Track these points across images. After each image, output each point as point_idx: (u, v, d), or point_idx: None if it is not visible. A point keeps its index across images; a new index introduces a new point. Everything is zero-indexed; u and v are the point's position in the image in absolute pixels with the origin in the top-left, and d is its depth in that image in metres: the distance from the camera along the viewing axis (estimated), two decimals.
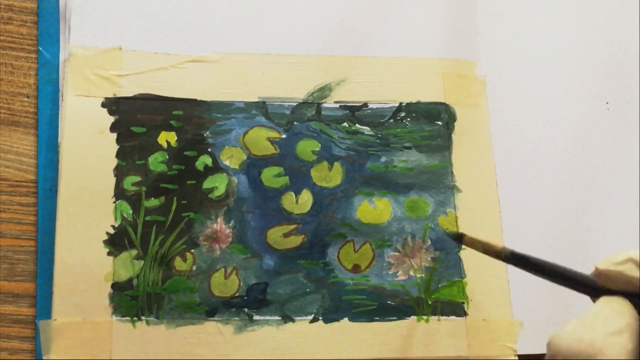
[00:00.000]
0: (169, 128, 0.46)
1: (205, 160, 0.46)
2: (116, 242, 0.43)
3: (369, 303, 0.45)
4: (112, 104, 0.45)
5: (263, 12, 0.49)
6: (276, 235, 0.45)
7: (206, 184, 0.45)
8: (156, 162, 0.45)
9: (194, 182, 0.45)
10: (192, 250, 0.44)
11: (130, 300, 0.43)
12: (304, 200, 0.46)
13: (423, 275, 0.46)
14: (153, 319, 0.43)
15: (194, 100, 0.46)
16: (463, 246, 0.46)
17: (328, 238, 0.45)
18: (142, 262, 0.43)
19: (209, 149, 0.46)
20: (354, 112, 0.48)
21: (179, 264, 0.44)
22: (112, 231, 0.44)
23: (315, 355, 0.43)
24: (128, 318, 0.42)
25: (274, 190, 0.46)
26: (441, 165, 0.48)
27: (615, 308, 0.27)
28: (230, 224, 0.45)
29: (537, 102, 0.51)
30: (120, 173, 0.44)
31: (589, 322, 0.27)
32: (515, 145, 0.50)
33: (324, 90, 0.48)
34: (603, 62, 0.52)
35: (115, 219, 0.44)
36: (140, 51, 0.47)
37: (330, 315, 0.44)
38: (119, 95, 0.46)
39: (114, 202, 0.44)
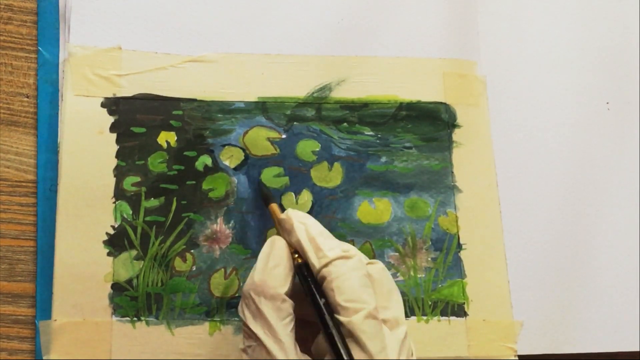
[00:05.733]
0: (169, 128, 0.46)
1: (205, 160, 0.46)
2: (116, 243, 0.43)
3: None
4: (112, 104, 0.45)
5: (263, 12, 0.49)
6: None
7: (206, 184, 0.45)
8: (156, 162, 0.45)
9: (193, 182, 0.45)
10: (192, 251, 0.44)
11: (130, 301, 0.43)
12: (304, 201, 0.46)
13: (423, 276, 0.46)
14: (153, 319, 0.43)
15: (194, 100, 0.46)
16: (463, 246, 0.46)
17: None
18: (142, 262, 0.43)
19: (209, 149, 0.46)
20: (354, 112, 0.48)
21: (178, 264, 0.44)
22: (111, 231, 0.43)
23: None
24: (128, 318, 0.42)
25: (274, 191, 0.46)
26: (441, 165, 0.48)
27: (270, 249, 0.37)
28: (230, 224, 0.45)
29: (537, 102, 0.51)
30: (120, 173, 0.44)
31: (258, 264, 0.37)
32: (515, 145, 0.50)
33: (324, 90, 0.48)
34: (603, 62, 0.52)
35: (115, 220, 0.44)
36: (140, 51, 0.47)
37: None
38: (118, 95, 0.46)
39: (114, 202, 0.44)
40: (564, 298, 0.47)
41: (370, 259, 0.38)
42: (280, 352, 0.35)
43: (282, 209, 0.40)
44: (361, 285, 0.36)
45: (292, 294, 0.37)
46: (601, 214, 0.49)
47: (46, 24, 0.47)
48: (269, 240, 0.38)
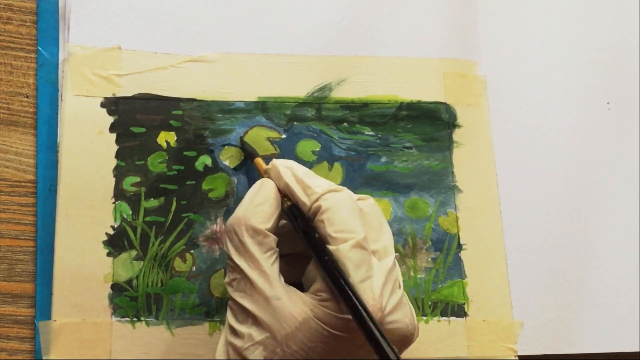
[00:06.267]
0: (169, 128, 0.46)
1: (204, 160, 0.46)
2: (116, 243, 0.43)
3: None
4: (112, 104, 0.45)
5: (263, 12, 0.49)
6: None
7: (206, 184, 0.45)
8: (156, 162, 0.45)
9: (193, 182, 0.45)
10: (192, 251, 0.44)
11: (129, 301, 0.43)
12: None
13: (423, 276, 0.46)
14: (153, 319, 0.43)
15: (194, 100, 0.46)
16: (463, 246, 0.46)
17: None
18: (142, 262, 0.43)
19: (209, 149, 0.46)
20: (354, 112, 0.48)
21: (178, 264, 0.44)
22: (111, 232, 0.43)
23: None
24: (128, 319, 0.42)
25: None
26: (442, 165, 0.48)
27: (258, 188, 0.38)
28: None
29: (537, 102, 0.51)
30: (119, 173, 0.44)
31: (244, 202, 0.38)
32: (516, 145, 0.49)
33: (324, 90, 0.48)
34: (604, 62, 0.52)
35: (115, 220, 0.44)
36: (140, 51, 0.46)
37: None
38: (118, 95, 0.45)
39: (114, 202, 0.44)
40: (564, 298, 0.47)
41: (403, 274, 0.39)
42: (265, 283, 0.35)
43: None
44: (350, 216, 0.36)
45: (277, 232, 0.37)
46: (601, 214, 0.49)
47: (46, 23, 0.47)
48: (258, 182, 0.39)
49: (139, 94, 0.46)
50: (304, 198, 0.37)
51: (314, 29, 0.49)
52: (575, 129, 0.51)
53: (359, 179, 0.47)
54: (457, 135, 0.48)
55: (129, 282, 0.43)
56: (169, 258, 0.44)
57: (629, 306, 0.48)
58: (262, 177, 0.40)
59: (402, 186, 0.47)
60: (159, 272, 0.43)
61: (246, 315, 0.36)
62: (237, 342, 0.36)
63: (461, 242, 0.47)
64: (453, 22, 0.51)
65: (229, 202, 0.45)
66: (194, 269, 0.44)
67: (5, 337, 0.42)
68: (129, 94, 0.46)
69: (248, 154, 0.45)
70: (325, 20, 0.49)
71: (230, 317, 0.37)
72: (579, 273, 0.48)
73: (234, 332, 0.36)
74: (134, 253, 0.43)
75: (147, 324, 0.43)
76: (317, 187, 0.37)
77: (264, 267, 0.36)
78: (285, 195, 0.38)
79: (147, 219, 0.44)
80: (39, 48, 0.46)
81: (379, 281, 0.36)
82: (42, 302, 0.43)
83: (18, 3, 0.47)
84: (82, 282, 0.42)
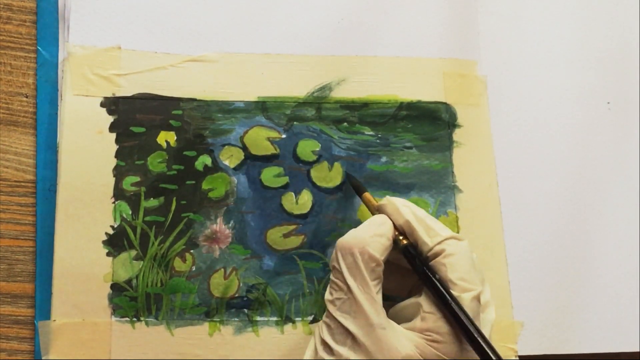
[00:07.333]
0: (169, 128, 0.46)
1: (204, 160, 0.45)
2: (115, 243, 0.43)
3: None
4: (111, 104, 0.45)
5: (263, 12, 0.49)
6: (276, 236, 0.45)
7: (206, 184, 0.45)
8: (155, 162, 0.45)
9: (193, 182, 0.45)
10: (192, 251, 0.44)
11: (129, 301, 0.43)
12: (304, 201, 0.46)
13: None
14: (152, 319, 0.43)
15: (194, 100, 0.46)
16: None
17: (328, 238, 0.45)
18: (142, 262, 0.43)
19: (209, 149, 0.46)
20: (354, 111, 0.48)
21: (178, 264, 0.44)
22: (111, 232, 0.43)
23: None
24: (127, 319, 0.42)
25: (274, 191, 0.46)
26: (442, 165, 0.48)
27: (380, 220, 0.39)
28: (230, 225, 0.45)
29: (538, 102, 0.51)
30: (119, 173, 0.44)
31: (362, 228, 0.39)
32: (516, 145, 0.49)
33: (324, 90, 0.48)
34: (604, 62, 0.52)
35: (115, 220, 0.44)
36: (140, 50, 0.46)
37: None
38: (118, 94, 0.45)
39: (113, 202, 0.44)
40: (564, 298, 0.47)
41: None
42: (373, 310, 0.36)
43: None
44: (472, 266, 0.38)
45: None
46: (602, 214, 0.49)
47: (45, 23, 0.47)
48: (378, 216, 0.40)
49: (139, 93, 0.46)
50: (425, 238, 0.38)
51: (314, 29, 0.49)
52: (576, 128, 0.51)
53: (359, 179, 0.47)
54: (457, 135, 0.48)
55: (129, 282, 0.43)
56: (168, 258, 0.44)
57: (629, 306, 0.48)
58: (373, 212, 0.42)
59: (402, 186, 0.47)
60: (158, 272, 0.43)
61: (346, 336, 0.36)
62: None
63: None
64: (453, 22, 0.51)
65: (229, 202, 0.45)
66: (193, 268, 0.44)
67: (5, 337, 0.42)
68: (129, 94, 0.46)
69: (355, 188, 0.45)
70: (325, 20, 0.49)
71: (326, 334, 0.37)
72: (579, 273, 0.48)
73: (328, 349, 0.37)
74: (133, 253, 0.43)
75: (147, 324, 0.42)
76: (440, 230, 0.39)
77: (373, 293, 0.37)
78: (402, 232, 0.39)
79: (147, 218, 0.44)
80: (39, 48, 0.46)
81: (486, 333, 0.38)
82: (41, 302, 0.43)
83: (18, 3, 0.47)
84: (81, 282, 0.42)
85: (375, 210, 0.41)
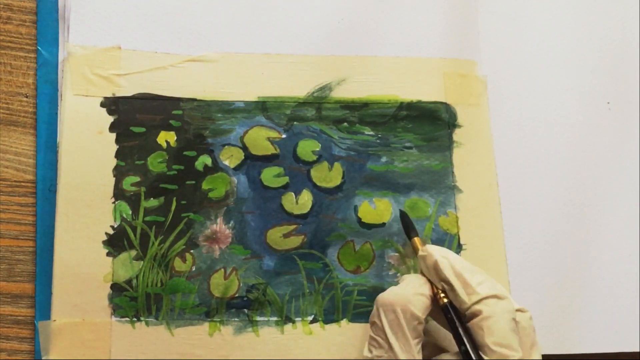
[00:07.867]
0: (169, 128, 0.46)
1: (204, 160, 0.45)
2: (115, 243, 0.43)
3: (369, 304, 0.44)
4: (111, 104, 0.45)
5: (263, 12, 0.49)
6: (276, 236, 0.45)
7: (206, 184, 0.45)
8: (155, 162, 0.45)
9: (193, 182, 0.45)
10: (192, 251, 0.44)
11: (129, 301, 0.43)
12: (304, 201, 0.46)
13: None
14: (152, 319, 0.43)
15: (194, 100, 0.46)
16: (463, 247, 0.46)
17: (328, 238, 0.45)
18: (142, 262, 0.43)
19: (209, 149, 0.46)
20: (354, 111, 0.48)
21: (178, 264, 0.44)
22: (111, 232, 0.43)
23: (315, 356, 0.43)
24: (127, 319, 0.42)
25: (274, 191, 0.46)
26: (442, 165, 0.48)
27: (420, 280, 0.40)
28: (230, 225, 0.45)
29: (538, 102, 0.51)
30: (119, 173, 0.44)
31: (403, 286, 0.39)
32: (516, 145, 0.49)
33: (324, 90, 0.48)
34: (604, 62, 0.52)
35: (115, 220, 0.44)
36: (140, 50, 0.46)
37: (330, 316, 0.44)
38: (118, 94, 0.45)
39: (113, 202, 0.44)
40: (564, 298, 0.47)
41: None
42: None
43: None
44: (511, 329, 0.37)
45: None
46: (602, 214, 0.49)
47: (45, 23, 0.47)
48: (417, 276, 0.40)
49: (139, 93, 0.46)
50: (463, 296, 0.38)
51: (314, 29, 0.49)
52: (576, 128, 0.51)
53: (359, 179, 0.47)
54: (457, 135, 0.48)
55: (129, 282, 0.43)
56: (168, 258, 0.44)
57: (629, 306, 0.48)
58: (418, 257, 0.41)
59: (402, 186, 0.47)
60: (158, 272, 0.43)
61: None
62: None
63: (461, 242, 0.47)
64: (453, 22, 0.51)
65: (229, 202, 0.45)
66: (193, 268, 0.44)
67: (5, 337, 0.42)
68: (129, 94, 0.46)
69: (406, 229, 0.44)
70: (325, 20, 0.49)
71: None
72: (579, 273, 0.48)
73: None
74: (133, 253, 0.43)
75: (147, 324, 0.42)
76: (478, 285, 0.38)
77: (414, 352, 0.37)
78: (443, 289, 0.39)
79: (147, 218, 0.44)
80: (39, 48, 0.46)
81: None
82: (41, 302, 0.43)
83: (18, 3, 0.47)
84: (81, 282, 0.42)
85: (419, 259, 0.41)
